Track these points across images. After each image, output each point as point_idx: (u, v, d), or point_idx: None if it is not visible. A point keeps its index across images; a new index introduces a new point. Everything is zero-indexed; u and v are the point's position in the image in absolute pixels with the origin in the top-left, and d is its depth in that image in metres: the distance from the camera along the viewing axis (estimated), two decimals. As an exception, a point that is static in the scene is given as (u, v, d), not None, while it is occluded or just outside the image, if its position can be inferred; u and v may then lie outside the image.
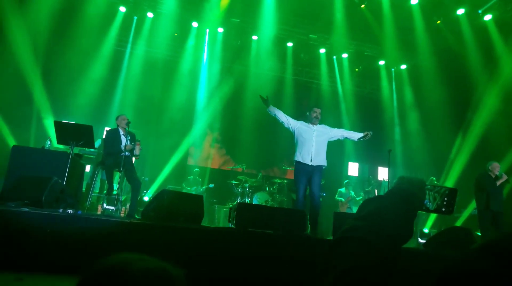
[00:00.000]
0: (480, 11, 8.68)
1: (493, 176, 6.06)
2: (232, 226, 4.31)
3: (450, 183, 9.66)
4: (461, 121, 9.88)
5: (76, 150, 5.53)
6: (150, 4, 9.97)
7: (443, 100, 9.99)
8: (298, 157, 5.14)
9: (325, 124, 5.45)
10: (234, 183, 9.22)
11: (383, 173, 11.29)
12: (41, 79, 9.09)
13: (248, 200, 8.94)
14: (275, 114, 5.36)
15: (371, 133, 5.30)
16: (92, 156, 7.36)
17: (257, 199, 8.71)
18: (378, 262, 0.91)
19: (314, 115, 5.26)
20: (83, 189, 6.66)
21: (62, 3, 8.85)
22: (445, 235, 4.20)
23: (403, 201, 1.04)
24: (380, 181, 10.66)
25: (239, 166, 9.68)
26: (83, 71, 9.66)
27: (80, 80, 9.64)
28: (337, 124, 11.33)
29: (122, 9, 10.02)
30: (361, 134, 5.28)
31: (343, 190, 9.42)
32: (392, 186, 1.13)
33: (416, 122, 11.17)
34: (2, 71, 8.17)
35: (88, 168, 7.83)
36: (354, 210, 9.36)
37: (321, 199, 9.20)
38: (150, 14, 10.19)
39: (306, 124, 5.31)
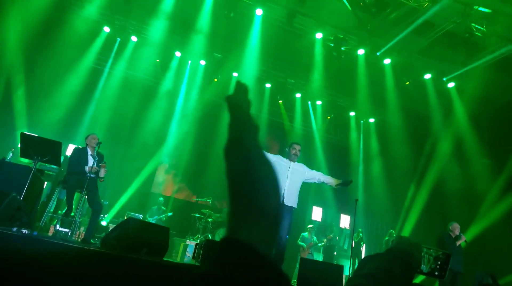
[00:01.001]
0: (444, 79, 9.51)
1: (453, 236, 6.32)
2: (197, 263, 4.15)
3: (406, 232, 10.00)
4: (417, 172, 10.47)
5: (38, 165, 5.22)
6: (136, 28, 10.04)
7: (404, 153, 10.61)
8: None
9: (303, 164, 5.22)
10: (198, 216, 8.99)
11: (345, 221, 11.48)
12: (19, 87, 8.73)
13: (209, 236, 8.70)
14: None
15: (351, 181, 5.15)
16: (52, 173, 6.95)
17: (219, 235, 8.50)
18: None
19: (293, 151, 5.00)
20: (38, 207, 6.22)
21: (50, 15, 8.72)
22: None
23: (403, 262, 1.08)
24: (342, 228, 10.81)
25: (205, 199, 9.49)
26: (60, 84, 9.41)
27: (55, 93, 9.35)
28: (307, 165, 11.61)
29: (106, 29, 10.00)
30: (340, 181, 5.05)
31: (306, 234, 9.42)
32: (392, 245, 1.17)
33: (378, 172, 11.65)
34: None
35: (44, 185, 7.37)
36: (315, 256, 9.35)
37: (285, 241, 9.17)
38: (134, 38, 10.24)
39: (283, 159, 5.05)
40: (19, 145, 4.67)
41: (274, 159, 5.03)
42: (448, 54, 8.91)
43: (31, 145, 4.64)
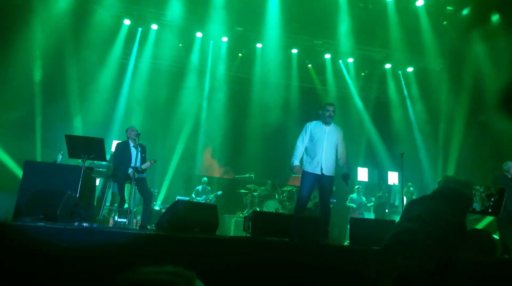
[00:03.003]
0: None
1: (510, 177, 5.95)
2: (248, 235, 4.24)
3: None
4: (460, 112, 9.82)
5: (87, 163, 5.52)
6: (154, 16, 10.06)
7: (446, 98, 9.98)
8: (307, 166, 4.79)
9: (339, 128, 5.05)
10: (243, 192, 9.16)
11: (393, 178, 11.15)
12: (47, 93, 9.16)
13: (257, 209, 8.87)
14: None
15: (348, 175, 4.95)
16: (102, 169, 7.34)
17: (267, 207, 8.63)
18: (434, 264, 0.87)
19: (327, 113, 4.85)
20: (94, 202, 6.66)
21: (68, 17, 8.95)
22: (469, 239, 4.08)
23: (453, 201, 0.99)
24: (390, 185, 10.53)
25: (247, 175, 9.62)
26: (92, 84, 9.75)
27: (89, 93, 9.73)
28: (346, 129, 11.33)
29: (127, 22, 10.12)
30: (344, 171, 4.91)
31: (354, 195, 9.30)
32: (439, 186, 1.08)
33: (423, 120, 11.08)
34: (13, 82, 8.23)
35: (97, 181, 7.84)
36: (366, 215, 9.23)
37: (331, 205, 9.16)
38: (154, 26, 10.28)
39: (320, 124, 4.92)
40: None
41: (311, 127, 4.93)
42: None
43: (76, 145, 4.90)
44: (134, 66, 10.63)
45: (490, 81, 8.96)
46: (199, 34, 10.59)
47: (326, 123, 4.90)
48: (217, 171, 11.27)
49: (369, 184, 11.40)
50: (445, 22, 9.04)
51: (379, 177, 11.60)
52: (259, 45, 10.90)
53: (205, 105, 11.12)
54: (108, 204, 7.57)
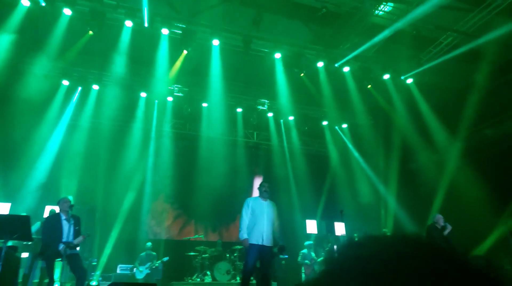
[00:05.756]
0: (402, 77, 9.84)
1: (439, 227, 6.42)
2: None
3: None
4: (391, 167, 10.70)
5: (10, 242, 4.99)
6: (96, 77, 9.94)
7: (376, 152, 10.87)
8: (251, 238, 5.10)
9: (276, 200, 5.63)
10: (192, 255, 8.78)
11: (340, 228, 11.43)
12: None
13: (208, 272, 8.49)
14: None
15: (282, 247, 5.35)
16: (30, 243, 6.64)
17: (218, 270, 8.30)
18: None
19: (263, 189, 5.42)
20: (20, 279, 5.94)
21: (2, 76, 8.51)
22: None
23: None
24: (338, 236, 10.75)
25: (197, 236, 9.31)
26: (25, 146, 9.13)
27: (21, 156, 9.05)
28: (287, 183, 11.67)
29: (65, 82, 9.86)
30: (280, 244, 5.34)
31: (305, 251, 9.30)
32: None
33: (359, 175, 11.80)
34: None
35: (24, 255, 7.05)
36: (318, 270, 9.23)
37: (283, 262, 9.07)
38: (95, 87, 10.12)
39: (259, 199, 5.42)
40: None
41: (252, 203, 5.35)
42: (402, 51, 9.20)
43: (-2, 224, 4.42)
44: (71, 126, 10.19)
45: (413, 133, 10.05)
46: (143, 94, 10.58)
47: (263, 198, 5.41)
48: (164, 231, 10.76)
49: (318, 236, 11.54)
50: (369, 86, 10.05)
51: (327, 228, 11.82)
52: (205, 105, 11.12)
53: (150, 164, 10.83)
54: (36, 280, 6.80)
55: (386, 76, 9.95)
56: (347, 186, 11.67)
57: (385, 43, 8.83)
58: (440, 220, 6.51)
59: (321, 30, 8.92)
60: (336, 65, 9.56)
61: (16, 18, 8.04)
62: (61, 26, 8.31)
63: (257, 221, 5.15)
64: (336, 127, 12.39)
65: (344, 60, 9.40)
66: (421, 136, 9.89)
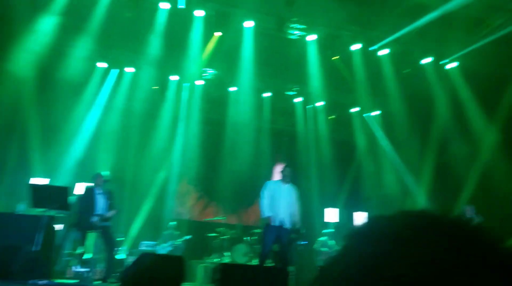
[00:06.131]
0: (446, 60, 9.29)
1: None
2: (215, 288, 4.14)
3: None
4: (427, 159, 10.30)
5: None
6: (130, 60, 10.21)
7: (411, 142, 10.49)
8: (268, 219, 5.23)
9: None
10: (213, 236, 9.00)
11: (360, 218, 11.26)
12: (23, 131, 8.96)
13: (227, 254, 8.68)
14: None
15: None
16: (64, 215, 7.04)
17: (237, 251, 8.49)
18: None
19: (285, 173, 5.54)
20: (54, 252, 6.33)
21: (45, 58, 8.94)
22: None
23: None
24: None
25: (218, 218, 9.51)
26: (64, 126, 9.62)
27: (60, 135, 9.56)
28: (310, 170, 11.58)
29: (101, 64, 10.20)
30: (297, 227, 5.45)
31: (324, 239, 9.28)
32: None
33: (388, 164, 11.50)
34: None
35: (57, 227, 7.51)
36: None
37: (301, 248, 9.11)
38: (129, 69, 10.41)
39: (279, 182, 5.54)
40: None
41: (271, 186, 5.50)
42: (446, 34, 8.70)
43: (40, 195, 4.73)
44: (106, 107, 10.59)
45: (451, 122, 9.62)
46: (174, 77, 10.78)
47: (285, 182, 5.52)
48: (188, 211, 11.09)
49: (338, 225, 11.42)
50: (407, 70, 9.63)
51: (348, 218, 11.66)
52: (232, 89, 11.17)
53: (177, 146, 11.09)
54: (67, 251, 7.22)
55: (427, 60, 9.48)
56: (372, 175, 11.41)
57: (428, 24, 8.34)
58: (468, 211, 6.27)
59: (359, 10, 8.56)
60: (373, 47, 9.22)
61: (58, 2, 8.37)
62: (100, 10, 8.58)
63: (275, 204, 5.24)
64: (367, 115, 12.07)
65: (383, 42, 9.01)
66: (459, 125, 9.45)
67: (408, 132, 10.90)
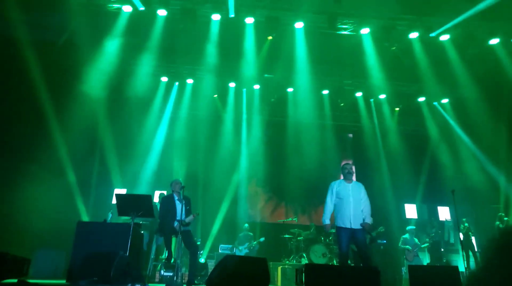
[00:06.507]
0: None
1: None
2: (301, 289, 4.06)
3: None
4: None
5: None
6: (189, 71, 10.65)
7: (490, 127, 9.57)
8: (339, 222, 5.09)
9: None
10: (287, 237, 8.95)
11: (444, 213, 10.52)
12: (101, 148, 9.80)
13: (304, 254, 8.57)
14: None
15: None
16: (147, 222, 7.48)
17: (314, 252, 8.32)
18: None
19: (346, 171, 5.26)
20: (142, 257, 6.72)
21: (114, 77, 9.64)
22: None
23: None
24: (443, 221, 9.91)
25: (290, 219, 9.45)
26: (135, 138, 10.28)
27: (133, 147, 10.26)
28: (380, 165, 11.06)
29: (164, 79, 10.78)
30: (367, 222, 5.09)
31: (407, 236, 8.75)
32: (499, 237, 1.01)
33: (466, 153, 10.59)
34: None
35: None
36: (420, 255, 8.65)
37: (382, 247, 8.69)
38: (189, 81, 10.86)
39: (343, 182, 5.28)
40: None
41: (337, 187, 5.26)
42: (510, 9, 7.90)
43: (125, 203, 5.05)
44: (172, 118, 11.16)
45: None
46: (232, 84, 11.03)
47: (348, 180, 5.27)
48: (259, 214, 11.22)
49: (419, 221, 10.78)
50: (473, 52, 8.86)
51: (428, 213, 10.96)
52: (290, 89, 11.14)
53: (243, 150, 11.32)
54: (152, 256, 7.63)
55: (495, 41, 8.69)
56: (451, 167, 10.59)
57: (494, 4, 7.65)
58: None
59: None
60: (432, 34, 8.66)
61: (120, 24, 8.99)
62: (157, 27, 9.08)
63: (344, 205, 5.08)
64: (436, 103, 11.28)
65: (443, 28, 8.47)
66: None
67: (484, 117, 9.98)
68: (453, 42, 8.99)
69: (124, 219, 5.74)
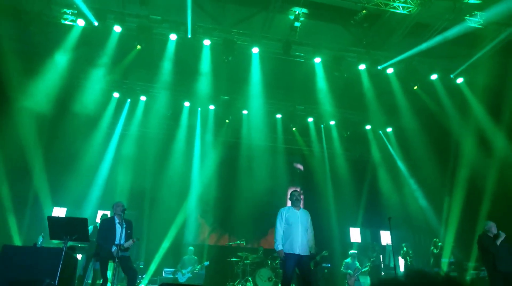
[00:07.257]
0: (452, 76, 9.34)
1: (492, 236, 5.97)
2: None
3: (449, 238, 9.57)
4: (446, 175, 10.10)
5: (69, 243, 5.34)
6: (143, 88, 10.48)
7: (428, 157, 10.32)
8: (287, 248, 5.10)
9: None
10: (234, 261, 8.87)
11: (386, 237, 11.01)
12: (41, 164, 9.20)
13: (250, 278, 8.52)
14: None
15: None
16: (84, 245, 7.08)
17: (260, 276, 8.30)
18: None
19: (294, 198, 5.33)
20: (76, 281, 6.32)
21: (61, 91, 9.23)
22: None
23: None
24: (384, 246, 10.36)
25: (238, 242, 9.39)
26: (79, 155, 9.80)
27: (74, 164, 9.73)
28: (327, 190, 11.45)
29: (116, 94, 10.50)
30: (312, 252, 5.28)
31: (348, 260, 9.04)
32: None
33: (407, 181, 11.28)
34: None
35: (79, 256, 7.54)
36: (363, 281, 8.93)
37: (326, 270, 8.87)
38: (143, 98, 10.66)
39: (292, 208, 5.35)
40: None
41: (286, 213, 5.30)
42: (450, 51, 8.79)
43: (58, 227, 4.77)
44: (122, 135, 10.81)
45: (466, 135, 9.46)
46: (186, 103, 10.98)
47: (296, 206, 5.33)
48: (208, 237, 11.02)
49: (362, 245, 11.19)
50: (415, 87, 9.63)
51: (372, 237, 11.43)
52: (245, 112, 11.30)
53: (195, 170, 11.19)
54: (90, 281, 7.21)
55: (434, 76, 9.52)
56: (393, 193, 11.20)
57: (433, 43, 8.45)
58: (492, 228, 6.04)
59: (362, 33, 8.75)
60: (379, 67, 9.32)
61: (72, 37, 8.72)
62: (112, 42, 8.90)
63: (293, 231, 5.13)
64: (380, 132, 11.99)
65: (389, 63, 9.15)
66: (475, 138, 9.30)
67: (423, 146, 10.76)
68: (397, 75, 9.70)
69: (57, 242, 5.40)
